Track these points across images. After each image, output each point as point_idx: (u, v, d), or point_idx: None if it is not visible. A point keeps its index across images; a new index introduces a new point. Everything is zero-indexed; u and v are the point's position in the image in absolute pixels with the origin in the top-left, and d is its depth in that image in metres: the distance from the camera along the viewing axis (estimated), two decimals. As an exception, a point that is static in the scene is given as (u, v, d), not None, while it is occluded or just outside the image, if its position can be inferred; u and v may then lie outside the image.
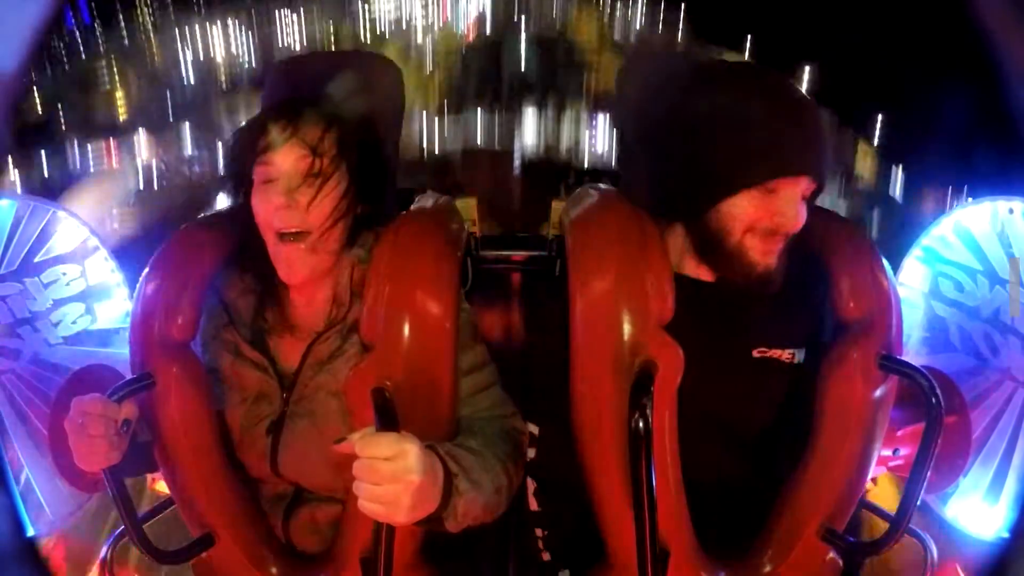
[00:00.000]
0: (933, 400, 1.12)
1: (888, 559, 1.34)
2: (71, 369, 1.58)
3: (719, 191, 1.15)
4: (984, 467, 1.49)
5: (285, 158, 1.18)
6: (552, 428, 1.24)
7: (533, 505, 1.29)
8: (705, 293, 1.23)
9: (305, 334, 1.27)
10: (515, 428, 1.25)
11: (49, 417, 1.53)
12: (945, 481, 1.51)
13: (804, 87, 1.26)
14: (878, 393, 1.20)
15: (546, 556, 1.33)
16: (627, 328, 1.11)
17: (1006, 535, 1.19)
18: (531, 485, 1.28)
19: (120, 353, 1.59)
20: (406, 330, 1.15)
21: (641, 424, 1.05)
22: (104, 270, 1.64)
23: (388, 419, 1.00)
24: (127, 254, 1.66)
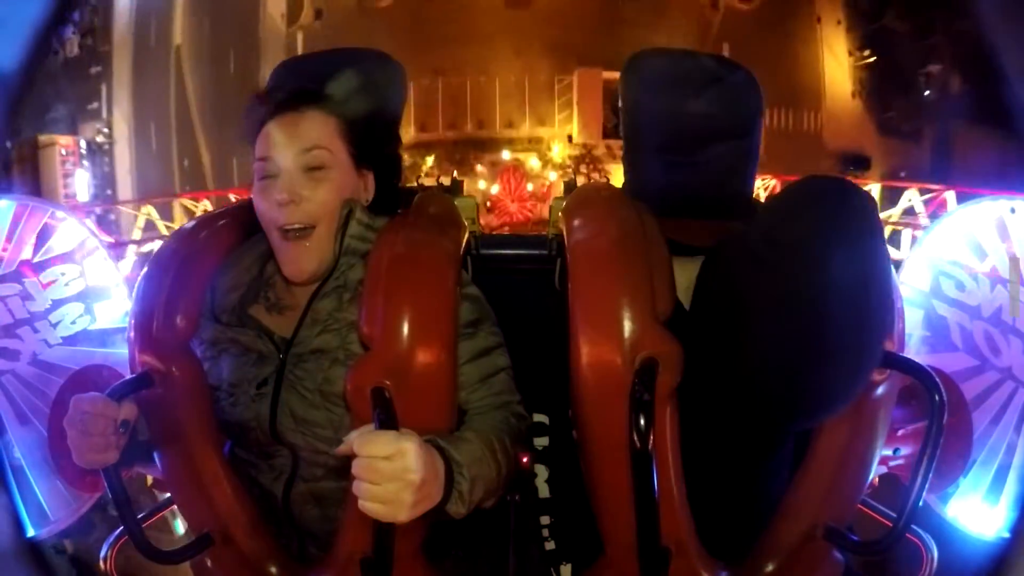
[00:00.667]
0: (936, 398, 1.12)
1: (888, 559, 1.34)
2: (71, 369, 1.58)
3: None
4: (984, 467, 1.49)
5: (285, 154, 1.18)
6: (562, 418, 1.24)
7: (544, 492, 1.29)
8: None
9: (301, 310, 1.27)
10: (517, 414, 1.25)
11: (49, 417, 1.53)
12: (945, 481, 1.51)
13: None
14: (879, 391, 1.20)
15: (550, 544, 1.34)
16: (627, 326, 1.11)
17: (1006, 535, 1.19)
18: (543, 472, 1.28)
19: (120, 353, 1.59)
20: (405, 330, 1.15)
21: (642, 421, 1.04)
22: (104, 270, 1.64)
23: (387, 418, 1.00)
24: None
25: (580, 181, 11.14)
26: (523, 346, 1.35)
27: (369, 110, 1.28)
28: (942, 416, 1.12)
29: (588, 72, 14.58)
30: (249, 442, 1.29)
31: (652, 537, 1.05)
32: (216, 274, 1.32)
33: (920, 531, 1.27)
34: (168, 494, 1.34)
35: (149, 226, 10.43)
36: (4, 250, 1.53)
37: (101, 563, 1.30)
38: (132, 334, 1.27)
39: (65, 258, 1.60)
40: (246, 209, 1.24)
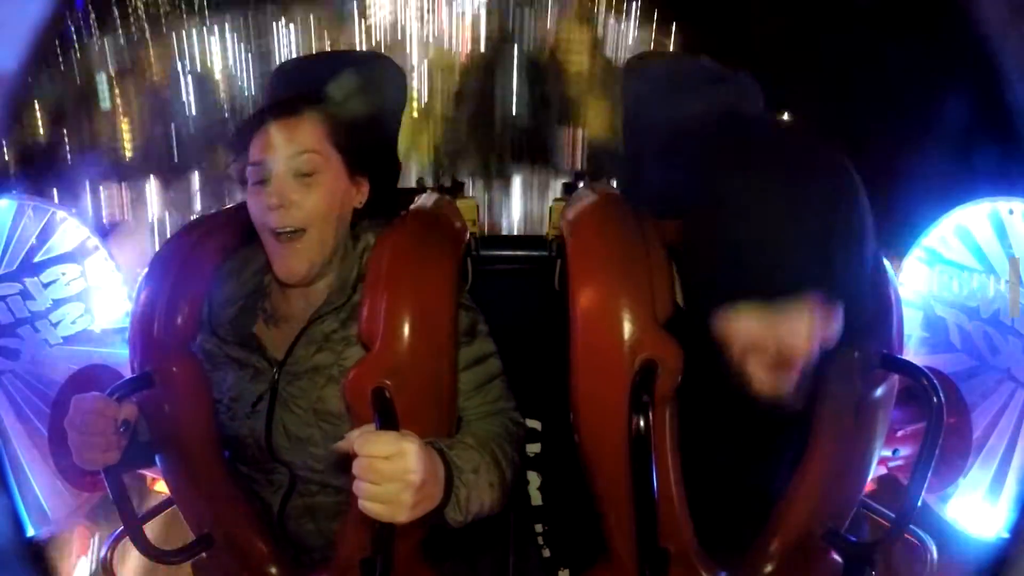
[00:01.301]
0: (935, 399, 1.12)
1: (888, 559, 1.34)
2: (71, 369, 1.58)
3: (714, 295, 1.05)
4: (984, 467, 1.49)
5: (278, 158, 1.18)
6: (556, 423, 1.24)
7: (535, 499, 1.28)
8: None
9: (299, 323, 1.27)
10: (514, 421, 1.25)
11: (49, 417, 1.53)
12: (945, 481, 1.51)
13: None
14: (879, 392, 1.20)
15: (546, 552, 1.33)
16: (627, 327, 1.11)
17: (1006, 535, 1.19)
18: (535, 480, 1.28)
19: (120, 353, 1.59)
20: (406, 330, 1.15)
21: (642, 423, 1.04)
22: (104, 270, 1.64)
23: (388, 419, 1.00)
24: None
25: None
26: (521, 348, 1.35)
27: (366, 113, 1.28)
28: (941, 417, 1.12)
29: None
30: (247, 457, 1.29)
31: (651, 538, 1.05)
32: (214, 284, 1.32)
33: (919, 531, 1.27)
34: (168, 494, 1.34)
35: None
36: (5, 249, 1.53)
37: (101, 563, 1.30)
38: (132, 334, 1.27)
39: (66, 258, 1.60)
40: (245, 209, 1.24)
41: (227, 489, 1.28)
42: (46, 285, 1.58)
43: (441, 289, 1.20)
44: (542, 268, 1.86)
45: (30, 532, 1.46)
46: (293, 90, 1.31)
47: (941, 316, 1.60)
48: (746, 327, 1.02)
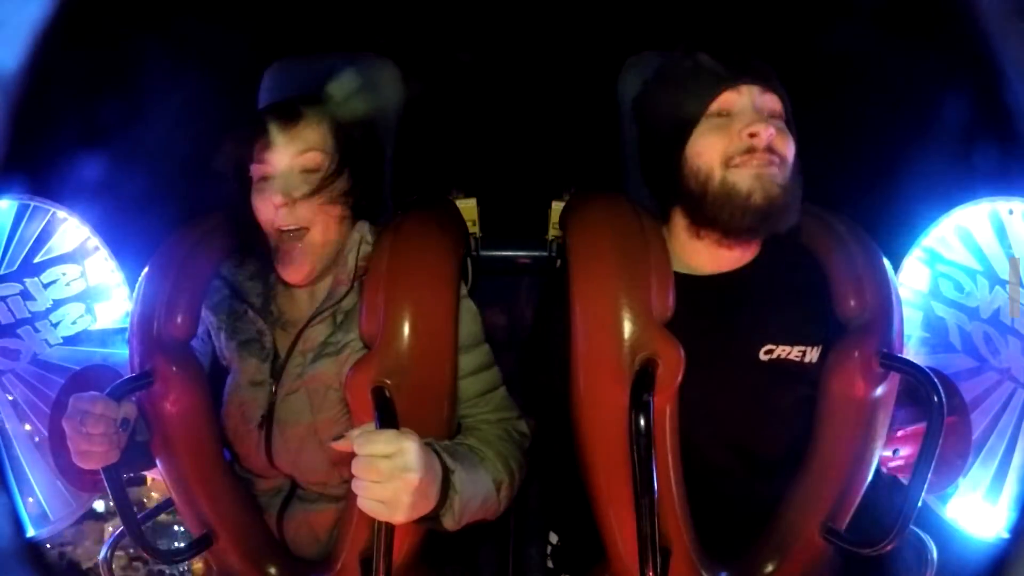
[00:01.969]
0: (935, 398, 1.12)
1: (888, 559, 1.34)
2: (71, 369, 1.58)
3: (673, 139, 1.18)
4: (984, 467, 1.48)
5: (282, 156, 1.18)
6: (547, 424, 1.24)
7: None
8: (702, 288, 1.23)
9: (302, 326, 1.27)
10: (518, 430, 1.25)
11: (49, 417, 1.53)
12: (945, 481, 1.51)
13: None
14: (879, 392, 1.20)
15: (550, 563, 1.34)
16: (627, 326, 1.11)
17: (1006, 535, 1.19)
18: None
19: (120, 353, 1.58)
20: (406, 330, 1.15)
21: (642, 422, 1.05)
22: (104, 270, 1.64)
23: (388, 418, 1.00)
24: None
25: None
26: (521, 348, 1.35)
27: (366, 113, 1.28)
28: (941, 417, 1.12)
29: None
30: (249, 464, 1.30)
31: (651, 537, 1.05)
32: (215, 284, 1.32)
33: (919, 531, 1.27)
34: (168, 494, 1.34)
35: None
36: (5, 249, 1.53)
37: (101, 563, 1.30)
38: (132, 334, 1.27)
39: (66, 258, 1.60)
40: (245, 209, 1.24)
41: (227, 489, 1.28)
42: (46, 285, 1.58)
43: (441, 289, 1.20)
44: (542, 268, 1.86)
45: (30, 532, 1.46)
46: (291, 89, 1.31)
47: (941, 316, 1.59)
48: (710, 142, 1.15)
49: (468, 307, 1.26)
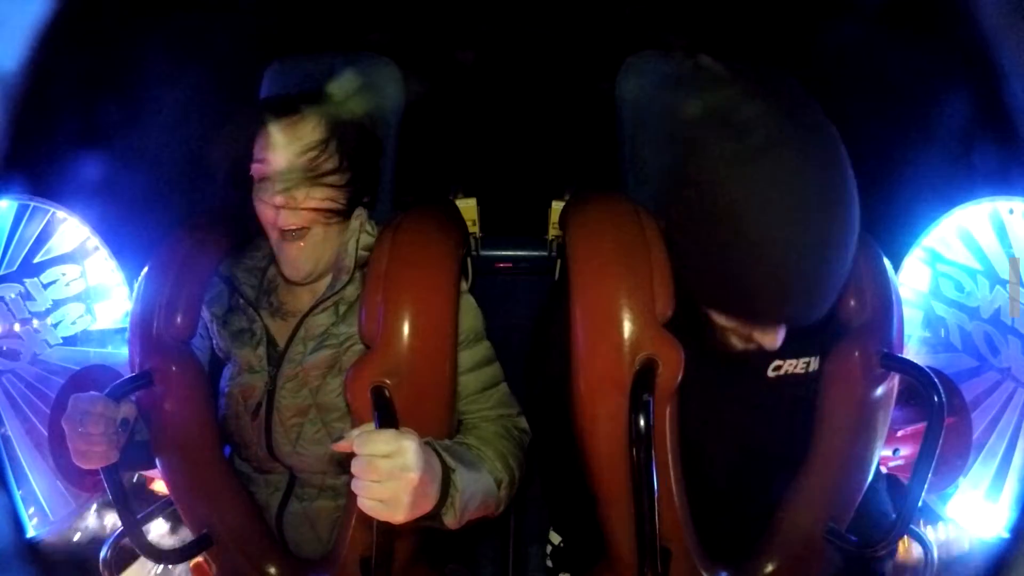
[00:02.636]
0: (935, 398, 1.12)
1: (888, 559, 1.34)
2: (71, 369, 1.58)
3: (697, 296, 1.09)
4: (984, 467, 1.48)
5: (282, 156, 1.18)
6: (549, 423, 1.25)
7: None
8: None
9: (303, 316, 1.28)
10: (518, 427, 1.25)
11: (49, 417, 1.53)
12: (945, 481, 1.51)
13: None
14: (879, 392, 1.20)
15: (550, 563, 1.34)
16: (627, 326, 1.11)
17: (1006, 535, 1.19)
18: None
19: (120, 353, 1.59)
20: (406, 329, 1.15)
21: (642, 422, 1.04)
22: (104, 270, 1.64)
23: (387, 417, 1.00)
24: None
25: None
26: (521, 348, 1.35)
27: (366, 112, 1.28)
28: (941, 417, 1.12)
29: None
30: (247, 454, 1.29)
31: (652, 538, 1.05)
32: (216, 280, 1.32)
33: (919, 531, 1.27)
34: (168, 494, 1.34)
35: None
36: (5, 250, 1.53)
37: (101, 563, 1.30)
38: (132, 333, 1.27)
39: (66, 258, 1.60)
40: (245, 208, 1.24)
41: (227, 489, 1.28)
42: (46, 286, 1.58)
43: (441, 289, 1.20)
44: (542, 268, 1.86)
45: (30, 532, 1.46)
46: (292, 89, 1.31)
47: (941, 316, 1.59)
48: (723, 320, 1.08)
49: (469, 303, 1.26)
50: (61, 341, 1.60)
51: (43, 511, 1.51)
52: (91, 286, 1.63)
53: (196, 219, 1.38)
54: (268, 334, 1.28)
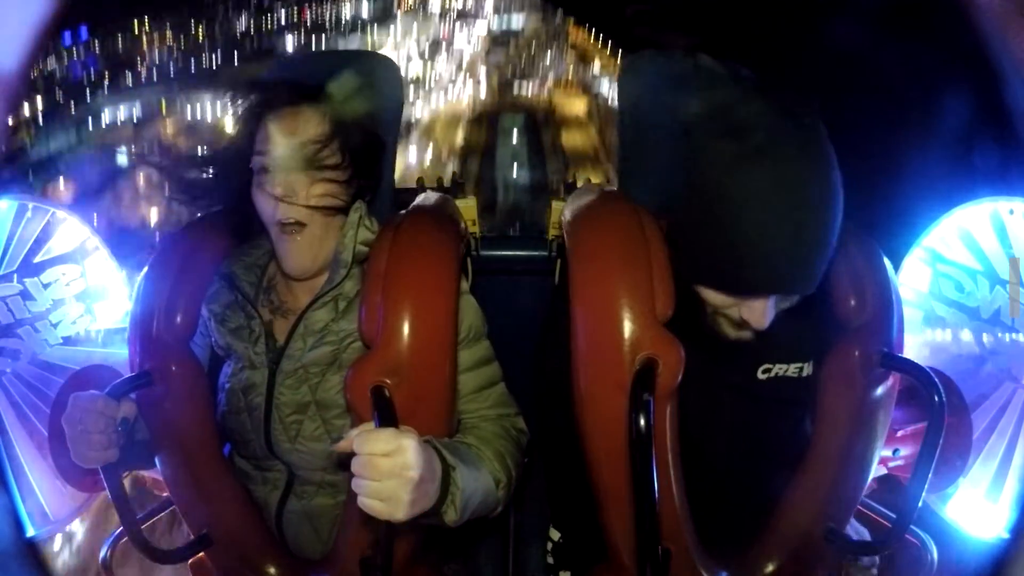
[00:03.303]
0: (936, 398, 1.12)
1: (888, 559, 1.34)
2: (71, 369, 1.58)
3: (689, 275, 1.13)
4: (984, 467, 1.48)
5: (283, 149, 1.18)
6: (551, 422, 1.25)
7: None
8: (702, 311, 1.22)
9: (301, 311, 1.28)
10: (516, 427, 1.26)
11: (49, 417, 1.52)
12: (945, 481, 1.51)
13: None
14: (879, 392, 1.20)
15: (550, 559, 1.34)
16: (627, 326, 1.11)
17: (1006, 535, 1.19)
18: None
19: (120, 353, 1.58)
20: (406, 329, 1.15)
21: (642, 421, 1.05)
22: (104, 270, 1.64)
23: (387, 417, 1.00)
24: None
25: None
26: (521, 348, 1.35)
27: (365, 110, 1.28)
28: (941, 417, 1.12)
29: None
30: (246, 451, 1.29)
31: (652, 537, 1.05)
32: (216, 277, 1.32)
33: (919, 531, 1.27)
34: (168, 494, 1.34)
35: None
36: (5, 250, 1.53)
37: (101, 563, 1.30)
38: (132, 333, 1.27)
39: (66, 258, 1.59)
40: (245, 204, 1.24)
41: (226, 489, 1.28)
42: (46, 285, 1.58)
43: (441, 288, 1.20)
44: (542, 268, 1.86)
45: (30, 532, 1.46)
46: (297, 83, 1.31)
47: (941, 316, 1.59)
48: (713, 297, 1.11)
49: (469, 302, 1.26)
50: (61, 341, 1.60)
51: (43, 511, 1.51)
52: (91, 286, 1.63)
53: (196, 219, 1.38)
54: (267, 330, 1.28)
